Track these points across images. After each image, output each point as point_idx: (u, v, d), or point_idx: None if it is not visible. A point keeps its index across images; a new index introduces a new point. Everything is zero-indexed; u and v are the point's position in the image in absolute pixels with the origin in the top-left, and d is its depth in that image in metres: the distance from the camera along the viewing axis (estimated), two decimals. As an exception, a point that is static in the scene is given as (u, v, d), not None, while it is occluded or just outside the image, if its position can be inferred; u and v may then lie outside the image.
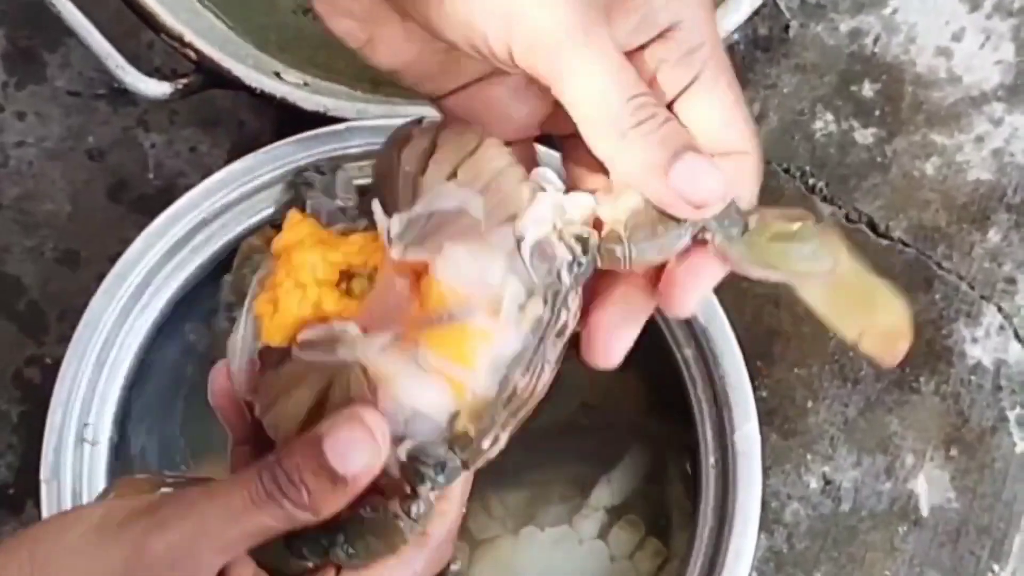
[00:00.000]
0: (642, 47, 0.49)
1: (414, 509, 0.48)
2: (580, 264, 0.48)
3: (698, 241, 0.48)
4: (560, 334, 0.48)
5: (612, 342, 0.51)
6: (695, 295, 0.50)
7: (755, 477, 0.66)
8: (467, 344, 0.47)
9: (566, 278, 0.47)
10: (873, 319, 0.52)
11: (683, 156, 0.47)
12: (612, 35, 0.48)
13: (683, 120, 0.49)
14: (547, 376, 0.49)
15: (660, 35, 0.49)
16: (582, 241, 0.48)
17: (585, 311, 0.50)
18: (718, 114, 0.49)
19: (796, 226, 0.50)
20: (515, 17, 0.47)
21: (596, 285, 0.50)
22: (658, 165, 0.47)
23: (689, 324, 0.68)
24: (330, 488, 0.47)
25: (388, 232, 0.49)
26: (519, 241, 0.48)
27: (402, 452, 0.47)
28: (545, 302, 0.47)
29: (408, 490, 0.48)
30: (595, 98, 0.47)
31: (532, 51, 0.47)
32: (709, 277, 0.50)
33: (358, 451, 0.47)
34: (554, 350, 0.48)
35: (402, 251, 0.48)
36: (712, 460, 0.67)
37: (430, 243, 0.48)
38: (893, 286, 0.53)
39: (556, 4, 0.47)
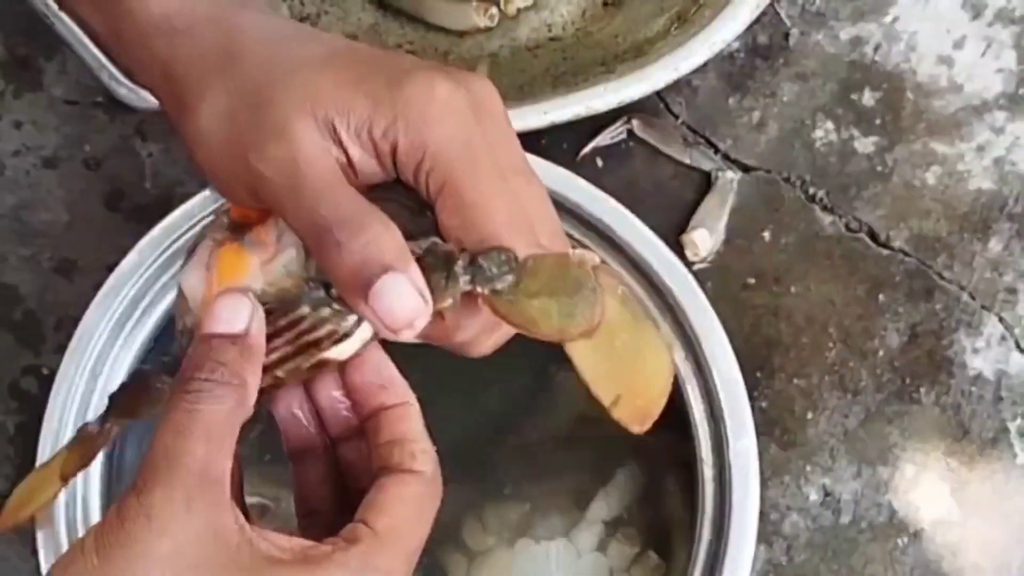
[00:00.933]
0: None
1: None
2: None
3: (470, 293, 0.50)
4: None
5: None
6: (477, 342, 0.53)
7: (752, 490, 0.66)
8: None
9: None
10: (632, 381, 0.51)
11: (384, 277, 0.49)
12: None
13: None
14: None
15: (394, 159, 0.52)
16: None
17: None
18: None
19: (566, 275, 0.50)
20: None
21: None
22: (360, 285, 0.49)
23: (687, 338, 0.68)
24: None
25: None
26: None
27: None
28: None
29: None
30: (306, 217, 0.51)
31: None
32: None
33: None
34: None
35: None
36: (710, 474, 0.67)
37: None
38: (661, 338, 0.52)
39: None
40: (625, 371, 0.51)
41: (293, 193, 0.51)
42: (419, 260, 0.50)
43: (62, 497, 0.69)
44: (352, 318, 0.52)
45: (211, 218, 0.57)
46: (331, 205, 0.50)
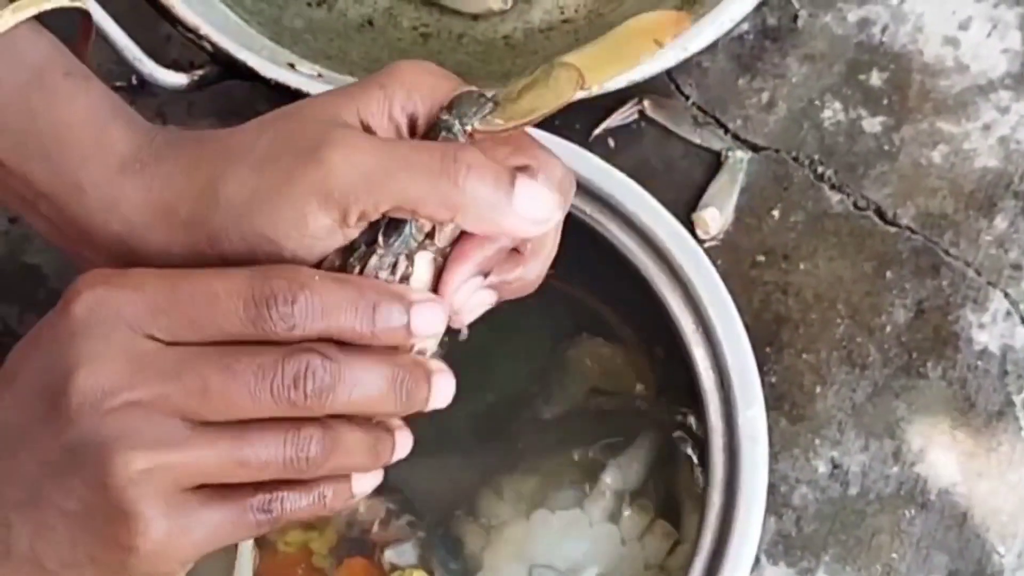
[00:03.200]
0: None
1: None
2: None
3: (466, 134, 0.55)
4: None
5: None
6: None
7: (761, 461, 0.67)
8: None
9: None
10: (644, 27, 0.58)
11: (518, 181, 0.53)
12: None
13: None
14: None
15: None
16: None
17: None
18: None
19: (536, 73, 0.56)
20: (324, 190, 0.52)
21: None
22: (502, 196, 0.53)
23: (697, 310, 0.69)
24: None
25: None
26: None
27: None
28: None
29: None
30: (419, 178, 0.52)
31: (348, 198, 0.52)
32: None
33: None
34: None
35: None
36: (720, 444, 0.68)
37: None
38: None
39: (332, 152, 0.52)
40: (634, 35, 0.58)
41: (391, 158, 0.53)
42: (426, 136, 0.55)
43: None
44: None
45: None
46: (428, 151, 0.53)
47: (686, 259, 0.69)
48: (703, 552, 0.67)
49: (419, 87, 0.55)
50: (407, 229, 0.54)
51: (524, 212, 0.53)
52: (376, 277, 0.53)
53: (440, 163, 0.52)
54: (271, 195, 0.52)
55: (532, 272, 0.57)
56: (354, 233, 0.53)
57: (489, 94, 0.55)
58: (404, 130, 0.55)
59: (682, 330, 0.70)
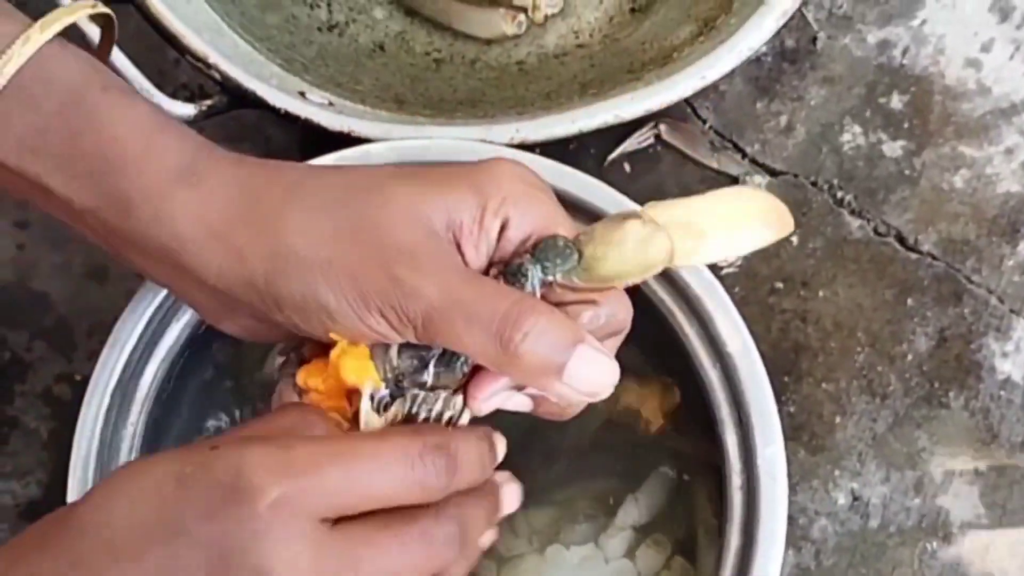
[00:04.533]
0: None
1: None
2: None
3: (545, 284, 0.55)
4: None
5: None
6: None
7: (780, 500, 0.66)
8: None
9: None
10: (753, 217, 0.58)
11: (573, 354, 0.53)
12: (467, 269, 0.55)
13: None
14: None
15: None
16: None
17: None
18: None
19: (624, 226, 0.55)
20: (392, 304, 0.54)
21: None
22: (552, 370, 0.53)
23: (714, 345, 0.68)
24: None
25: None
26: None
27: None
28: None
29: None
30: (472, 328, 0.53)
31: (412, 317, 0.53)
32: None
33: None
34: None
35: None
36: (738, 481, 0.67)
37: None
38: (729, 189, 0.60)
39: (408, 275, 0.53)
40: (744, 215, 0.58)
41: (455, 302, 0.53)
42: (500, 277, 0.55)
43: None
44: (457, 400, 0.56)
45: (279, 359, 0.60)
46: (492, 303, 0.53)
47: (703, 291, 0.68)
48: (721, 592, 0.65)
49: (516, 197, 0.55)
50: (458, 366, 0.55)
51: (575, 384, 0.53)
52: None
53: (499, 324, 0.52)
54: (339, 276, 0.53)
55: (571, 398, 0.57)
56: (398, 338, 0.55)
57: (573, 244, 0.55)
58: (493, 238, 0.55)
59: (699, 365, 0.68)
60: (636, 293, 0.70)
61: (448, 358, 0.55)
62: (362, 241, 0.54)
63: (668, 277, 0.69)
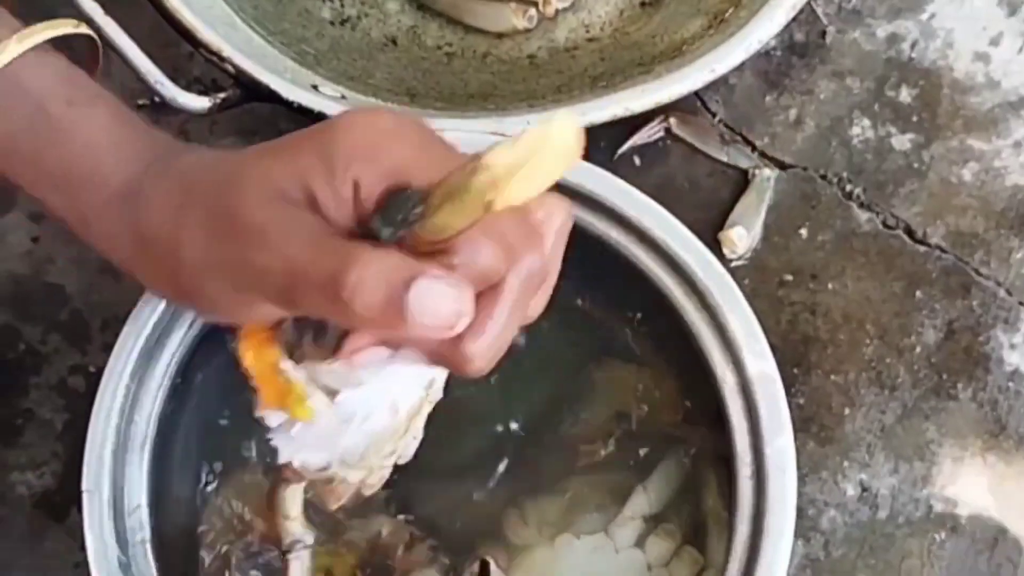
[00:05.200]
0: None
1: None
2: None
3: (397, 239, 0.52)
4: None
5: None
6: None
7: (789, 491, 0.66)
8: None
9: None
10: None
11: (410, 289, 0.49)
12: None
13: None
14: None
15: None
16: None
17: None
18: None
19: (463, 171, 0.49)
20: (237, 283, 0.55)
21: None
22: (393, 313, 0.50)
23: (724, 334, 0.68)
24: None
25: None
26: None
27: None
28: None
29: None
30: (305, 291, 0.52)
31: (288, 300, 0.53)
32: None
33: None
34: None
35: None
36: (747, 472, 0.67)
37: None
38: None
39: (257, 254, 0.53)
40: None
41: (296, 272, 0.52)
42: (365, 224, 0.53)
43: (108, 504, 0.70)
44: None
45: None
46: (323, 264, 0.51)
47: (713, 283, 0.68)
48: (730, 582, 0.66)
49: (364, 153, 0.53)
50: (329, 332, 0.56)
51: (423, 320, 0.50)
52: None
53: (327, 283, 0.51)
54: (216, 274, 0.55)
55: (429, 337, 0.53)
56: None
57: (418, 196, 0.51)
58: (348, 199, 0.53)
59: (709, 356, 0.69)
60: (641, 282, 0.71)
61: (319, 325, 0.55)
62: (225, 234, 0.54)
63: (677, 270, 0.69)
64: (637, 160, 0.83)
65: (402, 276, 0.49)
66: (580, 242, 0.70)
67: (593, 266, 0.72)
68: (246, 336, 0.58)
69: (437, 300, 0.49)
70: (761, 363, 0.67)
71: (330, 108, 0.73)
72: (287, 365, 0.56)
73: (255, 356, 0.57)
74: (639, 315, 0.76)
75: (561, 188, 0.70)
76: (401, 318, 0.49)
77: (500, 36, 0.85)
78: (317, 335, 0.56)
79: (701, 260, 0.69)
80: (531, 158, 0.47)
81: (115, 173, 0.58)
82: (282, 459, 0.59)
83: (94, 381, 0.73)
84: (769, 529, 0.65)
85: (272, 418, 0.58)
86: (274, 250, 0.53)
